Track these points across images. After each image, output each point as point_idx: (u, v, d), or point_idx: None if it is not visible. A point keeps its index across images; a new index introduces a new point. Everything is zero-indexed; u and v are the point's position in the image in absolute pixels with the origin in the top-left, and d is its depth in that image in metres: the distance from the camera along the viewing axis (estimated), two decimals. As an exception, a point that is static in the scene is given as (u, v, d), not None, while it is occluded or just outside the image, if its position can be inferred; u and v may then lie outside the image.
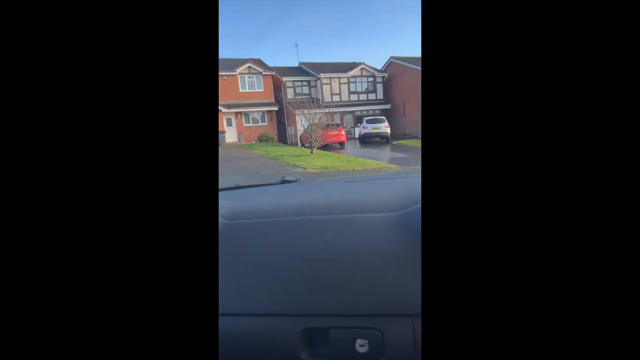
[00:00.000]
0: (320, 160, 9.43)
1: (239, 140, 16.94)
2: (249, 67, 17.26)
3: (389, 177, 1.12)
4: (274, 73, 17.73)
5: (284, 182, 1.24)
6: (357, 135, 16.21)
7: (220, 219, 0.77)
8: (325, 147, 12.13)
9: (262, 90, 17.58)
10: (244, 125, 17.45)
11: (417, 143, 12.95)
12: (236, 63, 17.21)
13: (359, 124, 16.13)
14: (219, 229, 0.75)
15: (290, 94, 18.07)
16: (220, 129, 15.19)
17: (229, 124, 17.13)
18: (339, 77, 18.18)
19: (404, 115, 17.27)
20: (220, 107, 15.38)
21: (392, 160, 9.52)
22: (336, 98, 17.79)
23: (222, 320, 0.64)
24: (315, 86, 18.41)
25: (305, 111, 11.69)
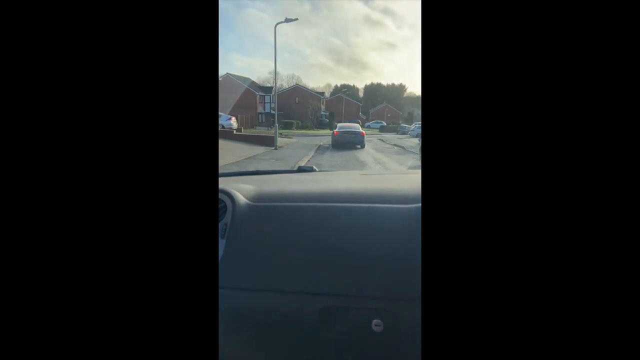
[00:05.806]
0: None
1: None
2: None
3: (403, 172, 1.18)
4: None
5: (300, 170, 1.29)
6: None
7: (245, 200, 0.81)
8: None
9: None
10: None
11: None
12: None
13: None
14: (245, 211, 0.78)
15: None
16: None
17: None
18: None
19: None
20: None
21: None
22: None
23: (244, 295, 0.69)
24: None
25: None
